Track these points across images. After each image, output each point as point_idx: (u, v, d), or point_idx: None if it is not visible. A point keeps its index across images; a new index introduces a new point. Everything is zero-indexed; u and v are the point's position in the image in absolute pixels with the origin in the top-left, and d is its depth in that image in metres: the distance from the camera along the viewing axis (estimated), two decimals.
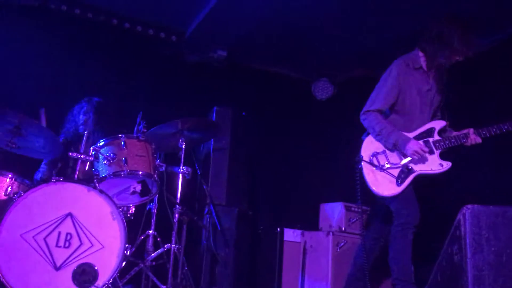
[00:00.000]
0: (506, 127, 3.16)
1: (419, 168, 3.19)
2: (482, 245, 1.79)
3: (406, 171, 3.19)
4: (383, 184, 3.20)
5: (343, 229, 4.57)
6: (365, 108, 3.38)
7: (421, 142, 3.24)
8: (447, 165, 3.19)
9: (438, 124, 3.31)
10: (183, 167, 3.87)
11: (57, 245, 3.01)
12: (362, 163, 3.23)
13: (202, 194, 4.41)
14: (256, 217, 5.13)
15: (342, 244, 4.48)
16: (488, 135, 3.22)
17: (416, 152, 3.16)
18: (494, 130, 3.20)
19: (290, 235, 4.78)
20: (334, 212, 4.72)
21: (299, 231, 4.79)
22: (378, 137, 3.29)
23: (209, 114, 4.97)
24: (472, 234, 1.80)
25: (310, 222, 4.90)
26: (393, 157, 3.27)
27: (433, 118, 3.44)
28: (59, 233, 3.04)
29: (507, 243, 1.78)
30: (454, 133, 3.33)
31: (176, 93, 5.34)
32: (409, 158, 3.22)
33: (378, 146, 3.31)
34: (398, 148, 3.24)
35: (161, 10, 5.05)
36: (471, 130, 3.26)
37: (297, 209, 5.47)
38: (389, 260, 3.24)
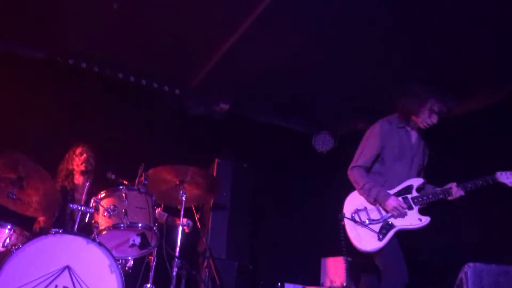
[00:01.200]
0: (480, 182, 3.27)
1: (399, 223, 3.27)
2: None
3: (387, 226, 3.27)
4: (365, 239, 3.26)
5: (344, 285, 4.49)
6: (351, 164, 3.54)
7: (400, 198, 3.34)
8: (425, 220, 3.27)
9: (416, 182, 3.42)
10: (183, 220, 3.86)
11: None
12: (345, 220, 3.32)
13: (202, 247, 4.35)
14: (256, 271, 5.04)
15: None
16: (473, 187, 3.29)
17: (395, 208, 3.27)
18: (469, 186, 3.28)
19: None
20: (335, 267, 4.64)
21: (300, 286, 4.70)
22: (361, 191, 3.42)
23: (211, 167, 4.99)
24: None
25: (311, 277, 4.81)
26: (374, 213, 3.35)
27: (415, 173, 3.53)
28: (56, 286, 2.97)
29: None
30: (435, 189, 3.42)
31: (178, 145, 5.39)
32: (389, 214, 3.31)
33: (359, 203, 3.41)
34: (378, 203, 3.35)
35: (165, 63, 5.19)
36: (454, 184, 3.35)
37: (298, 264, 5.38)
38: None
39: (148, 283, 3.71)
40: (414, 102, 3.42)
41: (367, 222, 3.29)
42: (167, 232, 3.80)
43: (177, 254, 3.66)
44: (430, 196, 3.35)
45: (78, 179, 4.20)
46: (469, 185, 3.30)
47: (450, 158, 4.38)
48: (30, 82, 4.91)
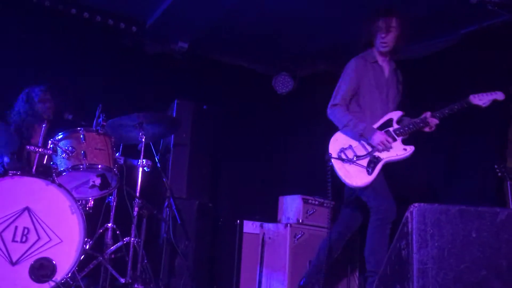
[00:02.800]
0: (456, 107, 3.40)
1: (386, 156, 3.38)
2: (427, 241, 1.92)
3: (374, 160, 3.37)
4: (355, 175, 3.36)
5: (300, 221, 4.70)
6: (330, 103, 3.58)
7: (383, 132, 3.44)
8: (410, 149, 3.40)
9: (395, 115, 3.52)
10: (143, 160, 3.88)
11: (13, 240, 2.98)
12: (332, 160, 3.38)
13: (162, 187, 4.42)
14: (216, 209, 5.18)
15: (300, 235, 4.60)
16: (450, 112, 3.42)
17: (382, 142, 3.36)
18: (446, 111, 3.42)
19: (250, 227, 4.87)
20: (292, 205, 4.83)
21: (258, 223, 4.89)
22: (346, 128, 3.47)
23: (170, 107, 4.97)
24: (418, 231, 1.92)
25: (269, 215, 5.00)
26: (359, 149, 3.43)
27: (393, 107, 3.63)
28: (16, 227, 3.00)
29: (449, 238, 1.92)
30: (413, 120, 3.52)
31: (137, 85, 5.29)
32: (375, 148, 3.40)
33: (343, 142, 3.48)
34: (364, 138, 3.42)
35: (121, 1, 4.98)
36: (428, 113, 3.47)
37: (256, 202, 5.56)
38: (365, 253, 3.39)
39: (109, 223, 3.78)
40: (366, 32, 3.59)
41: (355, 158, 3.38)
42: (128, 173, 3.82)
43: (137, 194, 3.71)
44: (411, 126, 3.45)
45: (39, 121, 4.08)
46: (446, 111, 3.42)
47: (421, 94, 4.52)
48: None
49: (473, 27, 4.68)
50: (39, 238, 3.05)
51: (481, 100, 3.36)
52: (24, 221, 3.03)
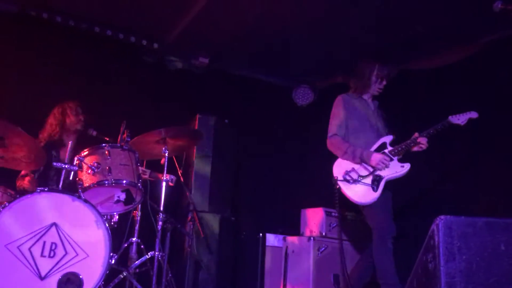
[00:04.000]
0: (439, 127, 3.66)
1: (386, 174, 3.64)
2: (454, 254, 1.89)
3: (377, 178, 3.62)
4: (362, 193, 3.61)
5: (323, 234, 4.67)
6: (328, 135, 3.89)
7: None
8: (407, 166, 3.66)
9: (388, 138, 3.80)
10: (167, 175, 3.93)
11: (42, 255, 3.03)
12: (339, 183, 3.66)
13: (185, 201, 4.46)
14: (239, 223, 5.20)
15: (323, 249, 4.58)
16: (434, 132, 3.67)
17: (380, 161, 3.62)
18: (431, 131, 3.67)
19: (272, 240, 4.86)
20: (315, 218, 4.81)
21: (280, 236, 4.88)
22: (345, 155, 3.74)
23: (192, 122, 5.02)
24: (445, 244, 1.90)
25: (291, 228, 4.99)
26: (362, 170, 3.69)
27: (384, 134, 3.90)
28: (44, 243, 3.06)
29: (477, 251, 1.89)
30: (404, 142, 3.76)
31: (159, 101, 5.38)
32: (375, 169, 3.66)
33: (346, 166, 3.74)
34: (364, 161, 3.68)
35: (142, 17, 5.09)
36: (417, 133, 3.73)
37: (279, 215, 5.56)
38: (376, 270, 3.57)
39: (134, 237, 3.82)
40: (363, 78, 3.88)
41: (359, 178, 3.64)
42: (151, 187, 3.87)
43: (161, 208, 3.75)
44: (403, 146, 3.71)
45: (67, 137, 4.18)
46: (430, 131, 3.67)
47: (440, 104, 4.65)
48: (1, 37, 4.77)
49: (493, 36, 4.63)
50: (66, 253, 3.10)
51: (459, 119, 3.63)
52: (52, 236, 3.09)
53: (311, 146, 6.03)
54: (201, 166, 4.84)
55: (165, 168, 3.87)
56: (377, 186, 3.58)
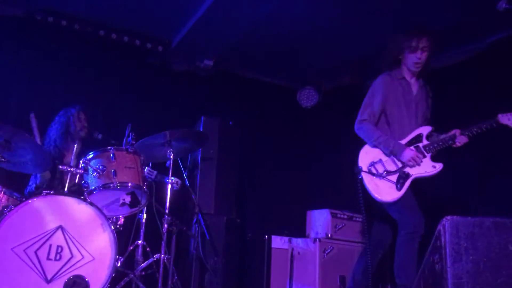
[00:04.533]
0: (484, 126, 3.37)
1: (415, 172, 3.38)
2: (461, 254, 1.88)
3: (403, 176, 3.38)
4: (384, 190, 3.37)
5: (329, 235, 4.66)
6: (358, 119, 3.58)
7: (413, 148, 3.44)
8: (439, 166, 3.40)
9: (425, 130, 3.51)
10: (172, 178, 3.93)
11: (48, 258, 3.04)
12: (362, 173, 3.39)
13: (191, 203, 4.45)
14: (244, 225, 5.19)
15: (329, 250, 4.56)
16: (478, 131, 3.40)
17: (412, 158, 3.36)
18: (475, 129, 3.40)
19: (278, 242, 4.85)
20: (320, 219, 4.80)
21: (286, 238, 4.87)
22: (375, 143, 3.46)
23: (197, 124, 5.03)
24: (451, 244, 1.88)
25: (297, 229, 4.98)
26: (390, 164, 3.44)
27: (422, 122, 3.61)
28: (50, 246, 3.07)
29: (484, 252, 1.87)
30: (442, 136, 3.51)
31: (164, 103, 5.39)
32: (404, 165, 3.41)
33: (374, 156, 3.48)
34: (394, 154, 3.43)
35: (147, 20, 5.11)
36: (458, 131, 3.45)
37: (284, 217, 5.54)
38: (394, 267, 3.35)
39: (139, 240, 3.83)
40: (394, 50, 3.58)
41: (385, 173, 3.40)
42: (157, 190, 3.87)
43: (166, 211, 3.75)
44: (440, 143, 3.45)
45: (72, 142, 4.20)
46: (474, 129, 3.40)
47: (446, 104, 4.50)
48: (7, 40, 4.79)
49: (500, 35, 4.61)
50: (72, 256, 3.10)
51: (510, 120, 3.33)
52: (58, 239, 3.10)
53: (316, 148, 6.04)
54: (206, 168, 4.83)
55: (170, 171, 3.88)
56: (402, 185, 3.35)
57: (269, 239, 4.81)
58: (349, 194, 5.37)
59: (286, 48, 5.47)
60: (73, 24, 5.04)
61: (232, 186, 5.00)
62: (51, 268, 3.03)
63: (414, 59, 3.51)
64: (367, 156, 3.49)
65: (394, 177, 3.39)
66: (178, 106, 5.47)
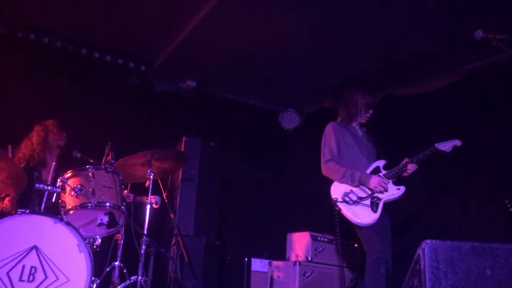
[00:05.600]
0: (427, 152, 3.78)
1: (384, 196, 3.73)
2: (440, 279, 1.88)
3: (375, 201, 3.71)
4: (362, 214, 3.67)
5: (309, 258, 4.63)
6: (322, 161, 3.95)
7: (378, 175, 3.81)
8: (402, 188, 3.77)
9: (380, 163, 3.90)
10: (151, 197, 3.88)
11: (20, 279, 2.94)
12: (338, 204, 3.71)
13: (170, 224, 4.39)
14: (224, 247, 5.13)
15: (309, 273, 4.53)
16: (424, 158, 3.79)
17: (379, 183, 3.72)
18: (420, 157, 3.80)
19: (258, 265, 4.81)
20: (301, 242, 4.78)
21: (266, 261, 4.83)
22: (343, 179, 3.79)
23: (178, 144, 5.00)
24: (430, 268, 1.89)
25: (277, 252, 4.94)
26: (360, 192, 3.77)
27: (374, 159, 3.99)
28: (23, 266, 2.97)
29: (462, 276, 1.88)
30: (397, 166, 3.88)
31: (145, 123, 5.36)
32: (373, 191, 3.75)
33: (345, 187, 3.79)
34: (362, 183, 3.76)
35: (130, 40, 5.12)
36: (406, 159, 3.86)
37: (264, 239, 5.51)
38: None
39: (116, 261, 3.74)
40: (350, 107, 4.02)
41: (358, 199, 3.72)
42: (135, 210, 3.80)
43: (145, 232, 3.69)
44: (396, 170, 3.82)
45: (50, 156, 4.12)
46: (420, 157, 3.79)
47: (424, 129, 4.78)
48: None
49: (477, 63, 4.73)
50: (46, 277, 3.01)
51: (445, 146, 3.74)
52: (32, 260, 3.01)
53: (298, 170, 6.05)
54: (187, 189, 4.79)
55: (150, 191, 3.83)
56: (376, 208, 3.66)
57: (249, 262, 4.77)
58: (329, 217, 5.40)
59: (268, 71, 5.53)
60: (55, 42, 5.02)
61: (212, 207, 4.96)
62: None
63: (368, 114, 4.01)
64: (339, 188, 3.80)
65: (367, 202, 3.71)
66: (160, 126, 5.44)
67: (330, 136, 3.98)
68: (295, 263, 4.54)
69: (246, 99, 6.24)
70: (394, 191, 3.75)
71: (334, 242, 4.84)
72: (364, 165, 3.87)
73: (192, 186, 4.82)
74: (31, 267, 2.99)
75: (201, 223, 4.74)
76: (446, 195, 4.57)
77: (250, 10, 4.35)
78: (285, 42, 4.87)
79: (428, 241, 1.94)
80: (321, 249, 4.73)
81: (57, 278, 3.04)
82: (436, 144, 3.77)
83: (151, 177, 3.81)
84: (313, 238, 4.73)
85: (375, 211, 3.65)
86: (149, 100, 5.57)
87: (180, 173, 4.82)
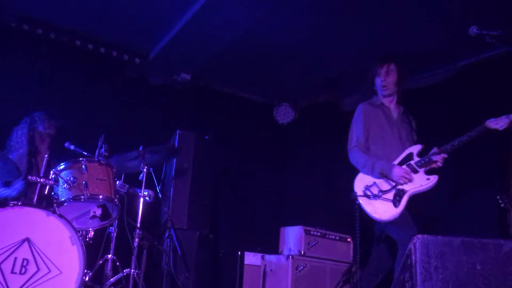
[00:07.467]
0: (465, 138, 3.38)
1: (410, 187, 3.42)
2: (431, 273, 1.90)
3: (399, 193, 3.42)
4: (382, 209, 3.41)
5: (302, 252, 4.65)
6: (348, 147, 3.67)
7: (404, 166, 3.49)
8: (434, 178, 3.43)
9: (415, 148, 3.56)
10: (145, 190, 3.88)
11: (12, 272, 2.94)
12: (358, 198, 3.45)
13: (163, 217, 4.39)
14: (217, 240, 5.14)
15: (302, 267, 4.55)
16: (451, 148, 3.42)
17: (402, 176, 3.41)
18: (456, 143, 3.40)
19: (251, 258, 4.81)
20: (293, 236, 4.79)
21: (259, 255, 4.83)
22: (364, 170, 3.54)
23: (172, 137, 4.99)
24: (422, 263, 1.90)
25: (270, 246, 4.95)
26: (383, 184, 3.48)
27: (409, 144, 3.66)
28: (15, 259, 2.97)
29: (453, 271, 1.90)
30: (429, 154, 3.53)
31: (139, 116, 5.34)
32: (397, 183, 3.45)
33: (368, 180, 3.54)
34: (384, 175, 3.48)
35: (125, 32, 5.07)
36: (435, 149, 3.49)
37: (258, 233, 5.52)
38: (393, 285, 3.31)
39: (109, 254, 3.74)
40: (370, 83, 3.74)
41: (380, 193, 3.44)
42: (129, 203, 3.80)
43: (138, 225, 3.69)
44: (426, 159, 3.47)
45: (42, 145, 4.09)
46: (454, 144, 3.39)
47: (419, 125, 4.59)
48: None
49: (472, 59, 4.75)
50: (38, 270, 3.01)
51: (498, 124, 3.33)
52: (24, 252, 3.00)
53: (291, 164, 6.06)
54: (180, 182, 4.79)
55: (143, 184, 3.83)
56: (399, 201, 3.39)
57: (242, 255, 4.77)
58: (322, 211, 5.42)
59: (263, 65, 5.51)
60: (49, 33, 4.97)
61: (206, 201, 4.96)
62: (15, 282, 2.93)
63: (379, 82, 3.68)
64: (362, 181, 3.55)
65: (390, 195, 3.43)
66: (154, 118, 5.42)
67: (358, 119, 3.69)
68: (288, 256, 4.56)
69: (241, 92, 6.23)
70: (423, 182, 3.43)
71: (327, 236, 4.86)
72: (395, 151, 3.57)
73: (186, 179, 4.82)
74: (23, 259, 2.99)
75: (194, 216, 4.74)
76: (436, 190, 4.56)
77: (246, 3, 4.33)
78: (280, 35, 4.86)
79: (419, 236, 1.95)
80: (314, 243, 4.74)
81: (50, 271, 3.04)
82: (487, 122, 3.35)
83: (144, 170, 3.82)
84: (306, 232, 4.74)
85: (397, 205, 3.37)
86: (144, 92, 5.54)
87: (174, 165, 4.81)
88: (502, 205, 3.67)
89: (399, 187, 3.43)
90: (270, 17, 4.53)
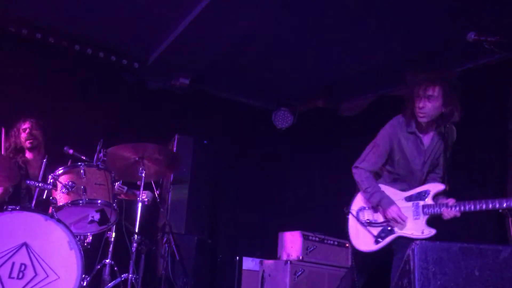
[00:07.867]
0: (486, 207, 2.89)
1: (400, 231, 3.12)
2: (429, 279, 1.90)
3: (387, 231, 3.16)
4: (362, 239, 3.22)
5: (301, 257, 4.65)
6: (356, 164, 3.34)
7: (410, 204, 3.15)
8: (429, 233, 3.03)
9: (435, 188, 3.14)
10: (143, 193, 3.87)
11: (10, 277, 2.93)
12: (349, 215, 3.30)
13: (161, 222, 4.39)
14: (216, 245, 5.13)
15: (300, 272, 4.54)
16: (468, 210, 2.95)
17: (394, 218, 3.09)
18: (477, 208, 2.92)
19: (249, 263, 4.81)
20: (292, 241, 4.79)
21: (257, 260, 4.84)
22: (364, 193, 3.28)
23: (171, 142, 4.99)
24: (420, 269, 1.90)
25: (268, 251, 4.95)
26: (377, 215, 3.23)
27: (433, 178, 3.28)
28: (13, 263, 2.96)
29: (451, 277, 1.90)
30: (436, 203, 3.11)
31: (138, 120, 5.34)
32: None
33: (365, 202, 3.32)
34: (380, 207, 3.20)
35: (123, 36, 5.09)
36: (452, 200, 3.04)
37: (256, 238, 5.51)
38: None
39: (107, 259, 3.74)
40: (406, 99, 3.15)
41: (367, 223, 3.22)
42: (127, 208, 3.81)
43: (136, 229, 3.68)
44: (437, 208, 3.05)
45: (29, 154, 4.11)
46: (469, 206, 2.93)
47: None
48: None
49: (469, 65, 4.76)
50: (36, 275, 3.00)
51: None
52: (22, 257, 2.99)
53: (290, 169, 6.06)
54: (179, 187, 4.78)
55: (141, 189, 3.82)
56: (382, 240, 3.12)
57: (240, 260, 4.78)
58: (321, 216, 5.41)
59: (261, 70, 5.53)
60: (48, 38, 4.98)
61: (204, 206, 4.95)
62: (13, 287, 2.92)
63: (416, 109, 3.08)
64: (362, 200, 3.32)
65: (376, 230, 3.18)
66: (153, 123, 5.42)
67: (382, 138, 3.23)
68: (286, 262, 4.55)
69: (240, 97, 6.24)
70: (416, 232, 3.04)
71: (325, 241, 4.85)
72: (410, 184, 3.19)
73: (184, 184, 4.81)
74: (21, 264, 2.98)
75: (192, 221, 4.74)
76: None
77: (244, 9, 4.34)
78: (278, 40, 4.87)
79: (417, 241, 1.95)
80: (312, 248, 4.74)
81: (47, 276, 3.03)
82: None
83: (143, 175, 3.81)
84: (305, 238, 4.74)
85: (378, 242, 3.12)
86: (142, 97, 5.55)
87: None
88: (500, 210, 3.60)
89: (391, 224, 3.13)
90: (268, 23, 4.55)
